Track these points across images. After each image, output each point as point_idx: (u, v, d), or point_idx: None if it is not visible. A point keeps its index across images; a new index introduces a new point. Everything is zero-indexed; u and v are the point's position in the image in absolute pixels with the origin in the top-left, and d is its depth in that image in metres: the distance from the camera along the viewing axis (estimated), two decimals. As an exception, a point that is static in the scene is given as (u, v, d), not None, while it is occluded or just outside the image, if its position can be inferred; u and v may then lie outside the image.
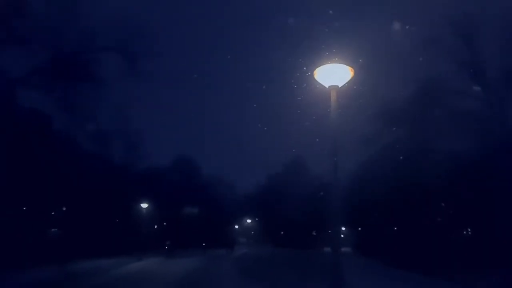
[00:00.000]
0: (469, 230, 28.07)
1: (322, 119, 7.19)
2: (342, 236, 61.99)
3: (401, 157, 26.33)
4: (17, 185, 21.73)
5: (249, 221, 67.62)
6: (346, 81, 6.91)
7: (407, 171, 25.73)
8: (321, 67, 6.78)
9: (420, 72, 25.94)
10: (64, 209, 32.15)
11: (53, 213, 31.35)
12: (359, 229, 44.86)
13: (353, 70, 6.81)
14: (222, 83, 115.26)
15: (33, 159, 23.20)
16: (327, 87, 6.94)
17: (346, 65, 6.76)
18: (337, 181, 7.26)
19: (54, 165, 24.95)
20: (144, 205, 34.80)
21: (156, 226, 43.85)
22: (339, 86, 6.90)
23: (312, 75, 7.08)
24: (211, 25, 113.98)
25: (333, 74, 6.84)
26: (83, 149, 32.26)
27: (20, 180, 21.90)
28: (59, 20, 19.94)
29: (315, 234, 48.03)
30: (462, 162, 23.20)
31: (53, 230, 32.96)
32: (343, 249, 49.01)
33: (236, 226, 67.89)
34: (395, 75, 29.96)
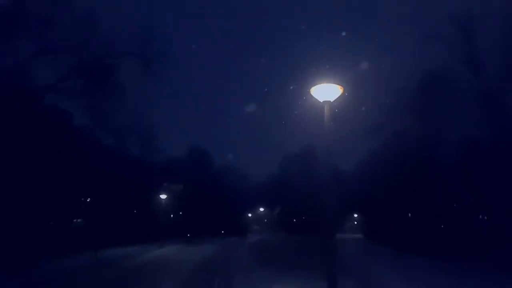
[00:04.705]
0: (484, 216, 28.72)
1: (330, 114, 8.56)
2: (355, 223, 63.55)
3: (411, 144, 27.46)
4: (42, 179, 22.87)
5: (262, 209, 69.43)
6: (337, 96, 8.39)
7: (416, 158, 26.99)
8: (315, 86, 8.26)
9: (425, 64, 27.15)
10: (88, 200, 34.22)
11: (78, 204, 33.35)
12: (371, 216, 45.89)
13: (342, 88, 8.28)
14: (234, 77, 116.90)
15: (58, 154, 24.70)
16: (321, 101, 8.43)
17: (336, 84, 8.23)
18: (333, 179, 8.86)
19: (77, 159, 26.63)
20: (163, 196, 36.79)
21: (172, 216, 45.85)
22: (331, 101, 8.38)
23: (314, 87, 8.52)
24: (222, 26, 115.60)
25: (326, 91, 8.31)
26: (104, 144, 34.16)
27: (46, 173, 23.03)
28: (82, 31, 21.78)
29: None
30: (472, 148, 24.25)
31: (78, 220, 35.20)
32: (355, 235, 50.55)
33: (250, 215, 69.82)
34: (400, 68, 31.06)
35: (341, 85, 8.26)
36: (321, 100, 8.41)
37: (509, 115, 24.61)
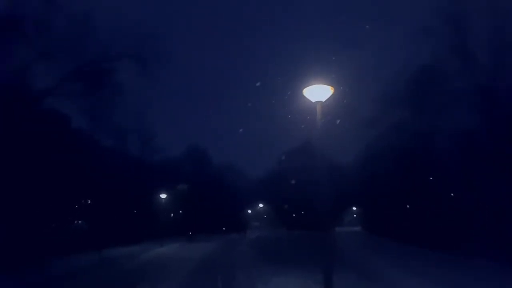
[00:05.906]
0: (483, 203, 28.94)
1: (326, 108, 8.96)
2: (354, 216, 64.22)
3: (408, 137, 27.82)
4: (44, 181, 23.09)
5: (261, 205, 69.82)
6: (328, 96, 8.76)
7: (413, 151, 27.38)
8: (307, 87, 8.62)
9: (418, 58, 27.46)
10: (89, 202, 34.54)
11: (79, 205, 33.67)
12: (370, 209, 46.30)
13: (333, 88, 8.65)
14: (233, 77, 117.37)
15: (59, 157, 24.86)
16: (313, 101, 8.80)
17: (327, 84, 8.60)
18: (327, 175, 9.28)
19: (77, 161, 26.81)
20: (163, 196, 37.18)
21: (172, 214, 46.23)
22: (323, 101, 8.76)
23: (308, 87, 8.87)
24: (221, 27, 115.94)
25: (318, 92, 8.67)
26: (104, 145, 34.46)
27: (47, 175, 23.26)
28: (82, 32, 22.09)
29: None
30: (468, 140, 24.59)
31: (80, 222, 35.52)
32: (354, 228, 51.15)
33: (249, 211, 70.23)
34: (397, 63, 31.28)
35: (332, 85, 8.63)
36: (313, 100, 8.77)
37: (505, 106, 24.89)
